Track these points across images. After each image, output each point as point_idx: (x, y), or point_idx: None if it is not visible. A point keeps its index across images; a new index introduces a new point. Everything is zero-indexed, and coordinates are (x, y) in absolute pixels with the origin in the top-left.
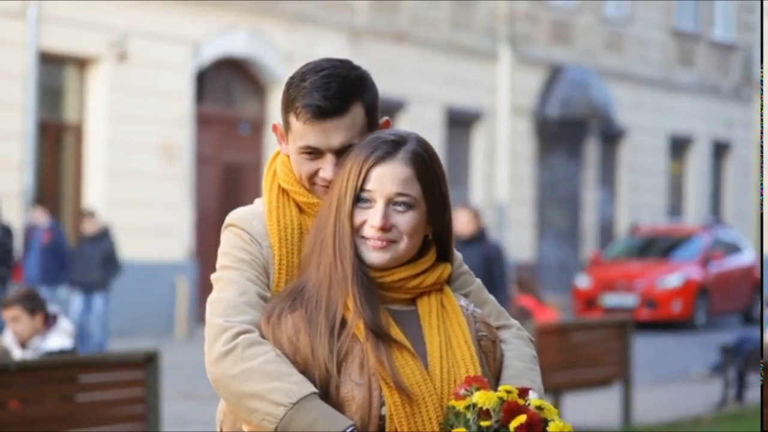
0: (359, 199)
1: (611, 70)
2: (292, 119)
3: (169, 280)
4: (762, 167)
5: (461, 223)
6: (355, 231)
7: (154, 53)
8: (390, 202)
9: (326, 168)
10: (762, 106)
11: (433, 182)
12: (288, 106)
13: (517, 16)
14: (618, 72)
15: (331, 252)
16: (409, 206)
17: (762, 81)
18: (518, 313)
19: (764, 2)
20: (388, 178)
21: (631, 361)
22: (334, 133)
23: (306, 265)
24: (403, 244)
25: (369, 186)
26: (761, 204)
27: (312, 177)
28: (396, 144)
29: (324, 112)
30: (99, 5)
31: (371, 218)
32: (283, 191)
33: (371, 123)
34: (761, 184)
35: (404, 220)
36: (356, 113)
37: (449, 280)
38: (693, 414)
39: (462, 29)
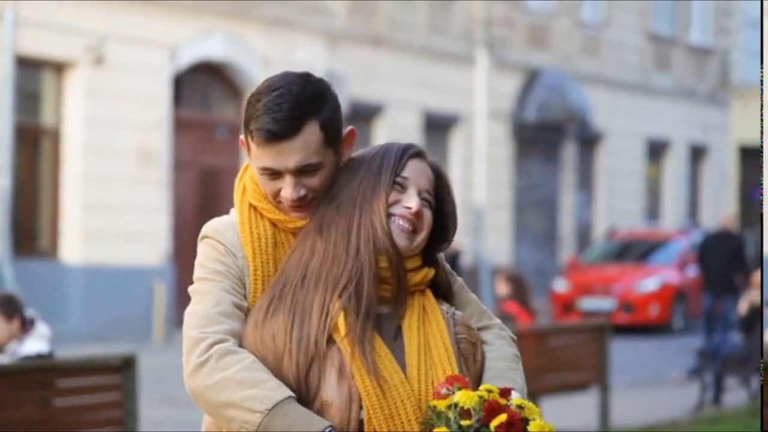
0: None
1: (588, 74)
2: (249, 141)
3: (146, 285)
4: (762, 167)
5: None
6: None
7: (130, 57)
8: (420, 194)
9: (286, 189)
10: (762, 106)
11: (446, 192)
12: (246, 127)
13: (494, 20)
14: (595, 76)
15: (346, 229)
16: (430, 205)
17: (762, 81)
18: (501, 318)
19: (764, 2)
20: (422, 173)
21: (609, 364)
22: (289, 155)
23: (301, 251)
24: (423, 235)
25: (406, 173)
26: (761, 204)
27: (276, 196)
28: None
29: (274, 135)
30: (76, 8)
31: (406, 200)
32: (254, 207)
33: (329, 137)
34: (761, 184)
35: (427, 214)
36: (310, 131)
37: (436, 281)
38: (670, 418)
39: (439, 33)
